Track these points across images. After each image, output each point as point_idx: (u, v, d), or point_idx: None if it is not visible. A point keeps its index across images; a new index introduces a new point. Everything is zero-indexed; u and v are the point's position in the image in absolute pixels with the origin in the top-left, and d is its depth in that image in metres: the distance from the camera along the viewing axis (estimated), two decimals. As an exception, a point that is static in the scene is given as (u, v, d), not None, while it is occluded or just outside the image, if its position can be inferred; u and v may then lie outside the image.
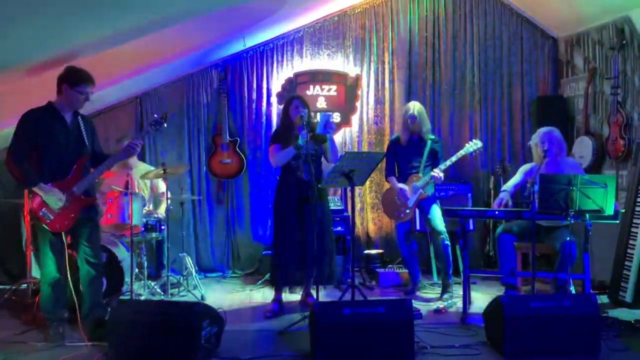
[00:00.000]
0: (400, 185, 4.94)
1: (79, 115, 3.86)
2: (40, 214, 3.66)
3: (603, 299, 4.44)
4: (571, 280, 4.31)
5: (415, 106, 4.95)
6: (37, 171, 3.68)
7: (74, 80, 3.71)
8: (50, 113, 3.74)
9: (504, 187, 4.83)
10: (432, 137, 4.98)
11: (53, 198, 3.65)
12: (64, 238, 3.79)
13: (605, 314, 4.09)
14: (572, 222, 3.98)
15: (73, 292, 3.86)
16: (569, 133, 5.91)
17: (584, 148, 5.58)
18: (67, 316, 3.92)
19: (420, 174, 4.88)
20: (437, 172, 4.79)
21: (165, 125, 3.97)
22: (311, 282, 4.62)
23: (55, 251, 3.76)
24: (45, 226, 3.68)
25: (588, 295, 3.73)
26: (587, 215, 3.99)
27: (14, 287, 4.90)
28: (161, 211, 5.28)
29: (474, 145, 4.88)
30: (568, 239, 4.18)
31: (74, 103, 3.77)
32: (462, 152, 4.88)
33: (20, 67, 4.03)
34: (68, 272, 3.80)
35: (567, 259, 4.25)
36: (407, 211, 4.94)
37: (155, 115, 3.99)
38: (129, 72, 5.26)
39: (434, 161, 4.93)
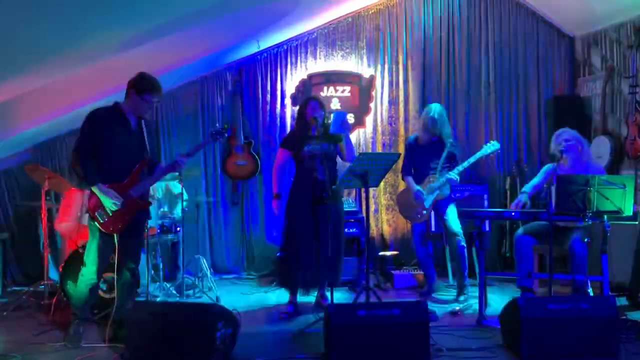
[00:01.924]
0: (417, 187, 4.91)
1: (143, 120, 3.86)
2: (96, 214, 3.67)
3: (622, 301, 4.38)
4: (589, 282, 4.25)
5: (436, 108, 4.92)
6: (97, 171, 3.68)
7: (142, 87, 3.71)
8: (116, 114, 3.75)
9: (523, 189, 4.77)
10: (451, 140, 4.94)
11: (109, 199, 3.65)
12: (115, 241, 3.77)
13: (624, 317, 4.03)
14: (590, 223, 3.93)
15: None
16: (586, 133, 5.85)
17: (601, 148, 5.52)
18: (89, 317, 3.97)
19: (437, 175, 4.85)
20: (453, 175, 4.75)
21: (227, 135, 4.03)
22: (325, 283, 4.61)
23: (101, 255, 3.77)
24: (98, 226, 3.69)
25: (606, 297, 3.68)
26: (605, 216, 3.94)
27: (31, 289, 4.96)
28: (176, 213, 5.30)
29: (491, 146, 4.82)
30: (575, 237, 4.13)
31: (139, 109, 3.78)
32: (479, 154, 4.82)
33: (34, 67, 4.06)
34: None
35: (574, 259, 4.22)
36: (424, 212, 4.91)
37: (217, 125, 4.03)
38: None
39: (451, 163, 4.88)
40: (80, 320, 3.86)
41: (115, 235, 3.77)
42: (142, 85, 3.71)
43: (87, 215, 3.81)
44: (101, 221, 3.69)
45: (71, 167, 3.99)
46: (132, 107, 3.77)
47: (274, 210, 4.72)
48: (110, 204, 3.66)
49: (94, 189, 3.66)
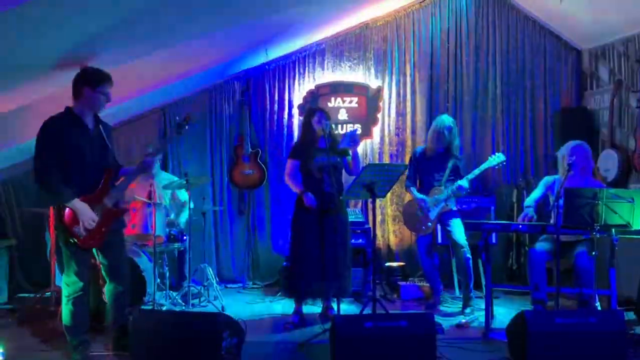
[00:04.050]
0: (421, 195, 4.91)
1: (100, 121, 3.62)
2: (74, 230, 3.43)
3: (629, 315, 4.35)
4: (597, 296, 4.23)
5: (448, 120, 4.93)
6: (67, 184, 3.42)
7: (96, 81, 3.47)
8: (72, 120, 3.49)
9: (526, 203, 4.76)
10: (458, 154, 4.95)
11: (88, 217, 3.43)
12: (93, 253, 3.66)
13: (631, 331, 4.00)
14: (598, 236, 3.91)
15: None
16: (593, 146, 5.83)
17: (609, 161, 5.50)
18: (88, 337, 3.71)
19: (442, 187, 4.84)
20: (464, 183, 4.72)
21: (187, 127, 3.84)
22: (331, 294, 4.60)
23: (82, 267, 3.55)
24: (76, 241, 3.45)
25: (614, 312, 3.66)
26: (613, 230, 3.93)
27: (37, 295, 4.96)
28: (183, 221, 5.31)
29: (497, 158, 4.81)
30: (580, 251, 4.12)
31: (96, 105, 3.53)
32: (485, 165, 4.81)
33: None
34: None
35: (580, 273, 4.20)
36: (429, 224, 4.90)
37: (177, 118, 3.88)
38: (154, 84, 5.33)
39: (455, 176, 4.87)
40: (81, 346, 3.59)
41: (93, 250, 3.61)
42: (95, 78, 3.47)
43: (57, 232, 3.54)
44: (80, 237, 3.44)
45: (39, 186, 3.63)
46: (88, 106, 3.50)
47: (308, 201, 4.48)
48: (88, 221, 3.43)
49: (71, 206, 3.40)
